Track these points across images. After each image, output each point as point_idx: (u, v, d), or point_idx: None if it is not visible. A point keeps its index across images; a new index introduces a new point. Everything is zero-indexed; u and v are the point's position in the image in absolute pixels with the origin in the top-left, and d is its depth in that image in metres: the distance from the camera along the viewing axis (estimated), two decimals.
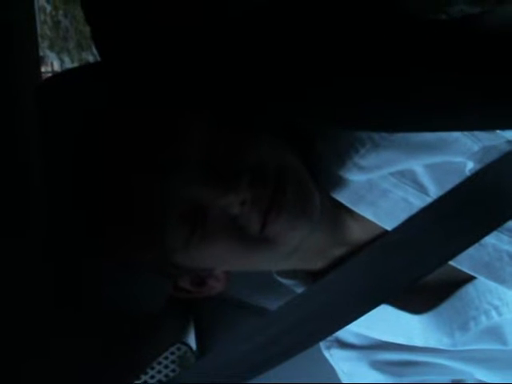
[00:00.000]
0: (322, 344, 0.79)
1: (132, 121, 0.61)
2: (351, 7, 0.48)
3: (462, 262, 0.67)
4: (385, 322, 0.71)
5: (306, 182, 0.64)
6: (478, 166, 0.62)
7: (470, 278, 0.69)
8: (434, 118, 0.48)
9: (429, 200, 0.65)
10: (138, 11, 0.56)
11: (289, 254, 0.65)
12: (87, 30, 0.61)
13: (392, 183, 0.68)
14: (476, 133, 0.64)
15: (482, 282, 0.68)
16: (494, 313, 0.69)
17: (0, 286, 0.74)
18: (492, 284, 0.68)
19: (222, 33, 0.52)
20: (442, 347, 0.71)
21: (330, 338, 0.78)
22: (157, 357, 1.03)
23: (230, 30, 0.51)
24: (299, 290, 0.75)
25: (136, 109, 0.61)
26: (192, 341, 1.07)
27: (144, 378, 1.02)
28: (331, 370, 0.80)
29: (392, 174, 0.68)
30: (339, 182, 0.69)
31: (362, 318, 0.56)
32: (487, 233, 0.56)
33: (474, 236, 0.55)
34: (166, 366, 1.05)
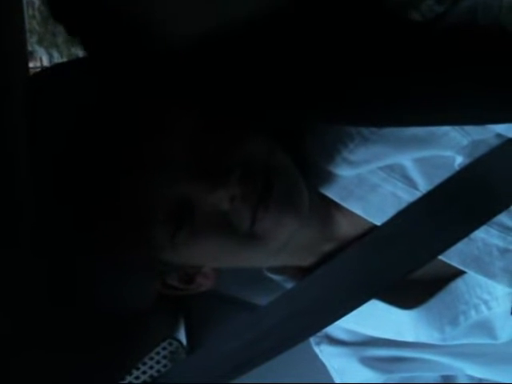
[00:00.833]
0: (311, 340, 0.79)
1: (119, 118, 0.60)
2: (340, 9, 0.48)
3: (451, 257, 0.67)
4: (375, 318, 0.71)
5: (295, 177, 0.64)
6: (467, 161, 0.62)
7: (459, 273, 0.69)
8: (423, 112, 0.48)
9: (418, 194, 0.65)
10: (126, 4, 0.56)
11: (278, 250, 0.65)
12: None
13: (381, 178, 0.68)
14: (465, 127, 0.64)
15: (472, 276, 0.68)
16: (483, 307, 0.69)
17: None
18: (481, 278, 0.68)
19: (215, 29, 0.51)
20: (432, 342, 0.71)
21: (319, 334, 0.78)
22: (147, 353, 1.03)
23: (225, 28, 0.51)
24: (289, 285, 0.75)
25: (123, 105, 0.61)
26: (182, 337, 1.07)
27: (136, 373, 1.02)
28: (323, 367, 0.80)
29: (381, 169, 0.68)
30: (328, 177, 0.69)
31: (352, 314, 0.56)
32: (476, 227, 0.57)
33: (464, 230, 0.55)
34: (158, 362, 1.04)
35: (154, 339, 1.03)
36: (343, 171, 0.68)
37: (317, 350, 0.79)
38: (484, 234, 0.67)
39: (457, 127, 0.64)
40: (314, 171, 0.69)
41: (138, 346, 0.96)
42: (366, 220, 0.69)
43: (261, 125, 0.64)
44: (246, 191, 0.60)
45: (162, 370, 1.04)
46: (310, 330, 0.58)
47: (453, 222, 0.55)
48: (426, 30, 0.44)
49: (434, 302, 0.69)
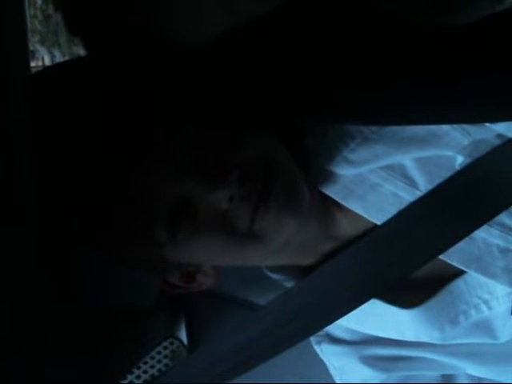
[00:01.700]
0: (312, 339, 0.79)
1: (121, 116, 0.60)
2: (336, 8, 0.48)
3: (452, 256, 0.67)
4: (375, 317, 0.71)
5: (294, 177, 0.64)
6: (468, 160, 0.62)
7: (460, 273, 0.69)
8: (424, 110, 0.48)
9: (418, 194, 0.65)
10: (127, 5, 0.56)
11: (278, 250, 0.65)
12: None
13: (381, 177, 0.68)
14: (466, 126, 0.64)
15: (472, 276, 0.68)
16: (483, 307, 0.69)
17: None
18: (482, 278, 0.68)
19: (216, 29, 0.51)
20: (432, 341, 0.71)
21: (320, 333, 0.78)
22: (149, 352, 1.03)
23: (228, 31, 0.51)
24: (289, 284, 0.75)
25: (124, 104, 0.61)
26: (183, 336, 1.07)
27: (137, 372, 1.02)
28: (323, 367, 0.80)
29: (382, 168, 0.68)
30: (328, 177, 0.69)
31: (353, 313, 0.56)
32: (477, 227, 0.57)
33: (464, 230, 0.55)
34: (159, 361, 1.04)
35: (155, 338, 1.03)
36: (344, 170, 0.68)
37: (317, 348, 0.79)
38: (485, 234, 0.67)
39: (457, 127, 0.64)
40: (315, 170, 0.69)
41: (140, 344, 0.96)
42: (366, 219, 0.69)
43: (261, 124, 0.64)
44: (246, 191, 0.60)
45: (163, 369, 1.05)
46: (311, 329, 0.58)
47: (453, 222, 0.55)
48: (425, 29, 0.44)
49: (435, 302, 0.69)
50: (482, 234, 0.66)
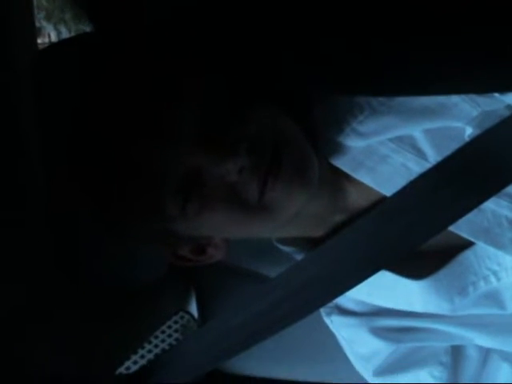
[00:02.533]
0: (322, 311, 0.80)
1: (130, 87, 0.60)
2: None
3: (461, 228, 0.67)
4: (384, 288, 0.72)
5: (304, 149, 0.64)
6: (477, 132, 0.62)
7: (469, 244, 0.70)
8: (434, 80, 0.48)
9: (428, 166, 0.65)
10: None
11: (287, 221, 0.65)
12: None
13: (391, 149, 0.68)
14: (475, 97, 0.64)
15: (481, 247, 0.69)
16: (492, 278, 0.69)
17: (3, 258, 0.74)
18: (491, 249, 0.68)
19: None
20: (441, 312, 0.72)
21: (330, 305, 0.78)
22: (159, 326, 1.04)
23: None
24: (299, 257, 0.75)
25: (132, 75, 0.61)
26: (194, 309, 1.08)
27: (148, 347, 1.03)
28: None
29: (391, 140, 0.68)
30: (338, 149, 0.69)
31: (362, 285, 0.56)
32: (486, 198, 0.56)
33: (473, 201, 0.55)
34: (170, 335, 1.05)
35: (165, 312, 1.04)
36: (353, 142, 0.68)
37: (327, 320, 0.79)
38: (494, 205, 0.67)
39: (467, 98, 0.64)
40: (324, 142, 0.69)
41: (151, 319, 0.97)
42: (376, 191, 0.69)
43: (270, 97, 0.64)
44: (255, 163, 0.60)
45: (174, 343, 1.05)
46: (321, 300, 0.58)
47: (463, 193, 0.55)
48: None
49: (444, 273, 0.70)
50: (491, 205, 0.66)
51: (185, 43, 0.57)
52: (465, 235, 0.68)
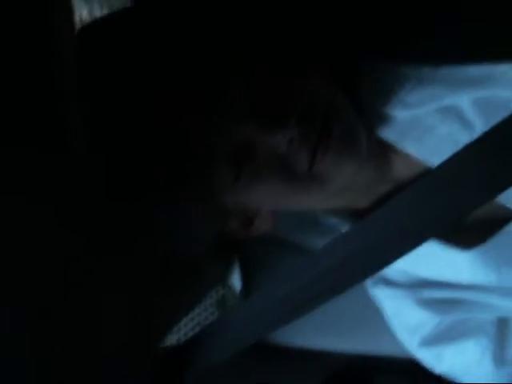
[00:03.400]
0: (367, 282, 0.79)
1: (182, 60, 0.61)
2: None
3: (508, 199, 0.66)
4: (431, 259, 0.71)
5: (352, 120, 0.64)
6: None
7: None
8: (481, 49, 0.47)
9: (475, 136, 0.64)
10: None
11: (336, 193, 0.65)
12: None
13: (437, 119, 0.67)
14: None
15: None
16: None
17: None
18: None
19: None
20: (488, 283, 0.71)
21: (375, 276, 0.78)
22: (203, 297, 1.05)
23: None
24: (344, 228, 0.75)
25: (185, 47, 0.61)
26: (237, 282, 1.08)
27: (184, 320, 1.04)
28: None
29: (437, 110, 0.67)
30: (384, 119, 0.69)
31: (409, 256, 0.56)
32: None
33: None
34: (205, 309, 1.06)
35: (209, 284, 1.05)
36: (399, 113, 0.67)
37: (372, 291, 0.79)
38: None
39: None
40: (370, 113, 0.68)
41: (194, 292, 0.98)
42: (421, 162, 0.68)
43: (320, 68, 0.64)
44: (305, 134, 0.60)
45: (210, 317, 1.06)
46: (366, 272, 0.58)
47: (510, 164, 0.54)
48: None
49: (491, 244, 0.69)
50: None
51: (236, 16, 0.57)
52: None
